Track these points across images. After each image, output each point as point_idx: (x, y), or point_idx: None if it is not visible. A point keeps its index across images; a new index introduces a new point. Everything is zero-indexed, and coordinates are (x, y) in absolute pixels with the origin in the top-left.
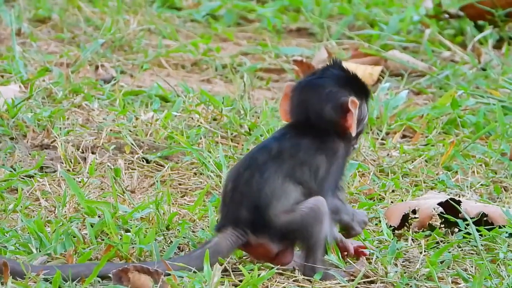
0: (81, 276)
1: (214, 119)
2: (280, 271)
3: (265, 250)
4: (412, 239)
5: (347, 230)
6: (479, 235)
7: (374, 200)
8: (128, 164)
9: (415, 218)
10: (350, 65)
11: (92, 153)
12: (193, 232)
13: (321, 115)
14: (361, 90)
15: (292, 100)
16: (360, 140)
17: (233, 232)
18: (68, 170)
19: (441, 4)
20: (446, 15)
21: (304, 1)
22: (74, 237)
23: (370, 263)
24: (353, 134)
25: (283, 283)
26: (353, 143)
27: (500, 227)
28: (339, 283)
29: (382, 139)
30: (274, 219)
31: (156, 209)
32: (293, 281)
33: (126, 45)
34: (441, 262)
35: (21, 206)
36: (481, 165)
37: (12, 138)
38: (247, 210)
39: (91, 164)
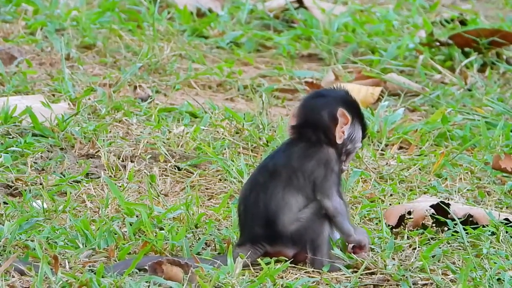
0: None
1: (237, 133)
2: (293, 264)
3: (283, 255)
4: (407, 237)
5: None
6: (466, 233)
7: (374, 203)
8: (162, 171)
9: (410, 218)
10: (354, 86)
11: (131, 161)
12: (218, 230)
13: (318, 119)
14: (356, 112)
15: (299, 107)
16: (348, 162)
17: (252, 246)
18: (110, 176)
19: (433, 33)
20: (437, 43)
21: (314, 31)
22: (115, 234)
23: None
24: (338, 141)
25: (296, 275)
26: (342, 158)
27: (483, 227)
28: (344, 274)
29: (381, 150)
30: (283, 230)
31: (186, 210)
32: (305, 272)
33: (161, 69)
34: (433, 257)
35: (70, 207)
36: (467, 173)
37: (62, 149)
38: (260, 227)
39: (130, 171)
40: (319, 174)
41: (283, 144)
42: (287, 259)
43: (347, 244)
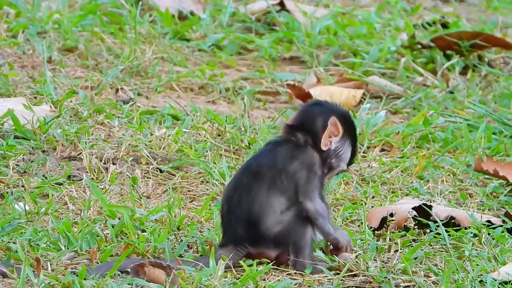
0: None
1: (219, 135)
2: (275, 266)
3: (265, 257)
4: (389, 239)
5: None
6: (448, 235)
7: (356, 205)
8: (144, 173)
9: (392, 220)
10: (336, 89)
11: (113, 164)
12: (200, 232)
13: (311, 123)
14: (351, 133)
15: (301, 109)
16: (329, 177)
17: (234, 247)
18: (92, 178)
19: (414, 36)
20: (419, 46)
21: (296, 34)
22: (97, 236)
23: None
24: (323, 147)
25: (278, 277)
26: (324, 169)
27: (466, 228)
28: (326, 276)
29: (363, 152)
30: (266, 232)
31: (168, 212)
32: (287, 274)
33: (143, 71)
34: (415, 259)
35: (52, 210)
36: (449, 175)
37: (44, 151)
38: (243, 228)
39: (112, 174)
40: (302, 176)
41: (269, 144)
42: (270, 261)
43: (329, 245)
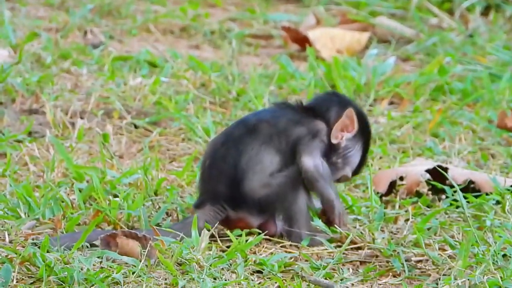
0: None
1: (203, 85)
2: (268, 237)
3: (245, 224)
4: (399, 206)
5: (329, 210)
6: (466, 202)
7: None
8: (117, 129)
9: (402, 184)
10: (338, 32)
11: (81, 118)
12: (181, 197)
13: (328, 108)
14: (365, 137)
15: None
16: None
17: (211, 208)
18: (57, 135)
19: None
20: None
21: None
22: (62, 202)
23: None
24: (332, 140)
25: (271, 249)
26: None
27: (487, 194)
28: (326, 249)
29: (370, 106)
30: (251, 194)
31: (144, 174)
32: (281, 247)
33: (115, 10)
34: (428, 229)
35: (10, 171)
36: (468, 132)
37: (0, 103)
38: (225, 185)
39: (79, 129)
40: (305, 139)
41: (274, 105)
42: (260, 232)
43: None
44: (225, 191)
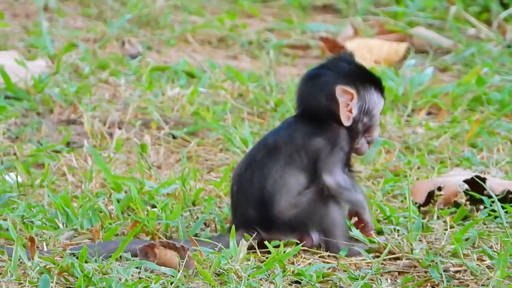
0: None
1: (240, 95)
2: (306, 248)
3: None
4: (437, 216)
5: (359, 211)
6: (505, 212)
7: (399, 177)
8: (155, 139)
9: (440, 195)
10: (376, 42)
11: (119, 128)
12: (219, 207)
13: (318, 103)
14: (362, 77)
15: (296, 90)
16: (375, 135)
17: (245, 231)
18: (95, 145)
19: None
20: None
21: None
22: (100, 212)
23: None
24: (345, 123)
25: (309, 259)
26: (360, 138)
27: None
28: (364, 260)
29: (407, 116)
30: (281, 215)
31: (182, 184)
32: (319, 257)
33: (153, 21)
34: (466, 239)
35: (48, 181)
36: (506, 142)
37: (38, 113)
38: (254, 210)
39: (117, 140)
40: (324, 151)
41: (287, 120)
42: (298, 242)
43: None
44: (255, 215)
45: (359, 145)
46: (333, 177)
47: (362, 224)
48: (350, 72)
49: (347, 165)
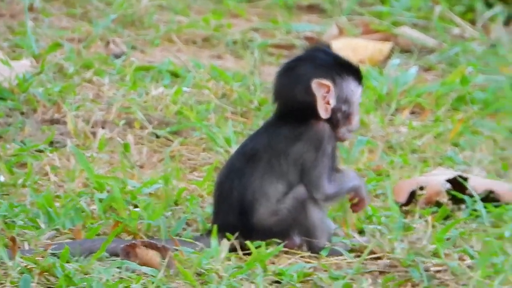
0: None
1: (224, 95)
2: (287, 248)
3: None
4: (419, 216)
5: (357, 193)
6: (486, 212)
7: (382, 176)
8: (138, 139)
9: (422, 194)
10: (361, 41)
11: (102, 128)
12: (202, 207)
13: (294, 98)
14: (336, 66)
15: (272, 84)
16: (354, 123)
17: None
18: (78, 145)
19: None
20: None
21: None
22: (82, 212)
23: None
24: (324, 116)
25: (290, 259)
26: (341, 127)
27: (507, 204)
28: (345, 259)
29: (391, 115)
30: (261, 224)
31: (165, 184)
32: (300, 257)
33: (137, 21)
34: (448, 239)
35: (31, 181)
36: (489, 141)
37: (22, 113)
38: (235, 218)
39: (100, 139)
40: (308, 159)
41: (266, 123)
42: (280, 242)
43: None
44: (236, 224)
45: (341, 134)
46: (321, 191)
47: (357, 200)
48: (325, 63)
49: (333, 168)
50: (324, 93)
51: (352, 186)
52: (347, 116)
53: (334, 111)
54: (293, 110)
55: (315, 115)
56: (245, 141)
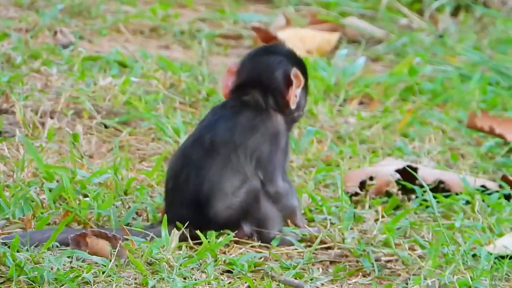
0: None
1: (172, 85)
2: (238, 238)
3: None
4: (369, 206)
5: (291, 216)
6: (436, 202)
7: (331, 166)
8: (87, 129)
9: (372, 184)
10: (308, 32)
11: (51, 118)
12: (151, 197)
13: (270, 79)
14: (306, 73)
15: (243, 64)
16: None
17: (177, 230)
18: (27, 135)
19: None
20: None
21: None
22: (32, 201)
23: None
24: (292, 106)
25: (241, 249)
26: (291, 118)
27: (457, 194)
28: (296, 249)
29: (339, 106)
30: (215, 217)
31: (114, 174)
32: (250, 247)
33: (85, 11)
34: (398, 229)
35: None
36: (438, 132)
37: None
38: (189, 210)
39: (49, 129)
40: (264, 151)
41: (224, 109)
42: (230, 233)
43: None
44: (190, 216)
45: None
46: (274, 185)
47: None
48: (298, 61)
49: (286, 165)
50: (296, 85)
51: (292, 206)
52: (292, 121)
53: (290, 110)
54: (259, 94)
55: (277, 104)
56: (200, 131)
